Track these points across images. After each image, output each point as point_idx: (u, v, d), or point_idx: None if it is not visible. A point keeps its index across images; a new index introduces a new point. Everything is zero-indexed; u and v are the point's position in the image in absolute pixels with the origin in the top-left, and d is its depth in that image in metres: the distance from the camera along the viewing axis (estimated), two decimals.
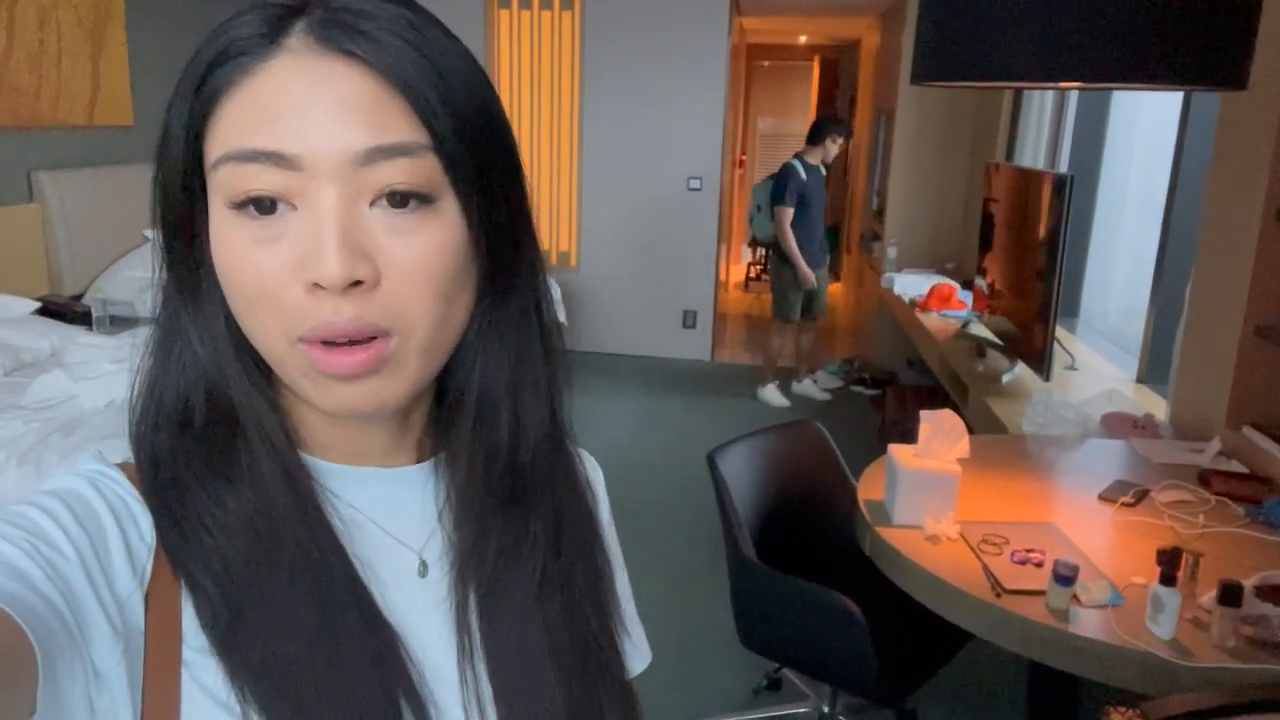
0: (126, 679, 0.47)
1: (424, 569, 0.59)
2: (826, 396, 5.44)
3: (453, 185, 0.50)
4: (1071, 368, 3.27)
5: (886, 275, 5.04)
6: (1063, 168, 4.16)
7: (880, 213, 5.87)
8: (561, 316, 5.39)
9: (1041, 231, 2.92)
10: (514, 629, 0.58)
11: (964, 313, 4.16)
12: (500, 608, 0.58)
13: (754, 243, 7.99)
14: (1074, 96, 4.11)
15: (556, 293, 5.39)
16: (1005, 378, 3.22)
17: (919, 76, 1.81)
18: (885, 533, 1.84)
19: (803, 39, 9.24)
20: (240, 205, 0.48)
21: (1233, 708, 1.27)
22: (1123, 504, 1.99)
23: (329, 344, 0.49)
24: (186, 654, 0.50)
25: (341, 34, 0.48)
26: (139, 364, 0.55)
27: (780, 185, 4.98)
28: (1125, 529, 1.90)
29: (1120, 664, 1.47)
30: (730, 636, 2.28)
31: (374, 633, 0.53)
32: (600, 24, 5.81)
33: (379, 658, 0.53)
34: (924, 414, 1.91)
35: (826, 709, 2.42)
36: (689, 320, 6.19)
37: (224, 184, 0.48)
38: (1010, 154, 4.64)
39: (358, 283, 0.48)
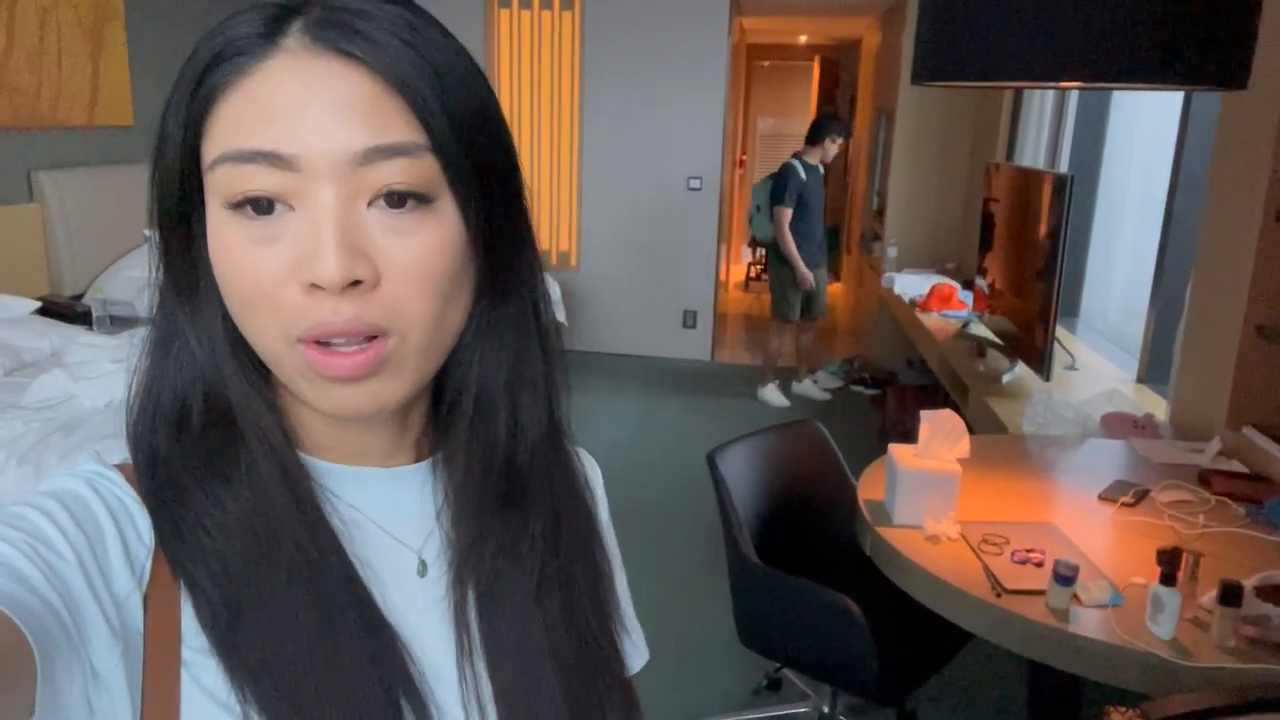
0: (125, 680, 0.47)
1: (423, 568, 0.59)
2: (827, 396, 5.44)
3: (450, 185, 0.50)
4: (1072, 368, 3.27)
5: (887, 275, 5.03)
6: (1063, 168, 4.15)
7: (880, 213, 5.87)
8: (561, 316, 5.39)
9: (1042, 231, 2.92)
10: (513, 628, 0.58)
11: (964, 313, 4.16)
12: (499, 607, 0.58)
13: (754, 243, 7.99)
14: (1074, 96, 4.11)
15: (556, 293, 5.40)
16: (1005, 378, 3.22)
17: (919, 76, 1.81)
18: (885, 533, 1.84)
19: (803, 39, 9.24)
20: (237, 205, 0.48)
21: (1233, 708, 1.27)
22: (1123, 504, 1.98)
23: (327, 345, 0.49)
24: (186, 654, 0.50)
25: (339, 34, 0.48)
26: (136, 364, 0.55)
27: (780, 185, 4.98)
28: (1125, 529, 1.90)
29: (1120, 664, 1.47)
30: (730, 636, 2.28)
31: (374, 632, 0.53)
32: (600, 24, 5.81)
33: (379, 657, 0.53)
34: (924, 414, 1.91)
35: (827, 709, 2.42)
36: (689, 320, 6.19)
37: (221, 184, 0.48)
38: (1010, 154, 4.64)
39: (356, 283, 0.48)
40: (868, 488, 2.06)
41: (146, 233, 0.54)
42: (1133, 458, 2.32)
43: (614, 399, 5.31)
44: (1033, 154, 4.37)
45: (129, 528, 0.51)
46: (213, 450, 0.54)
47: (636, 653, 0.72)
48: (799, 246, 4.98)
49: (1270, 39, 2.10)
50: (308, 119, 0.47)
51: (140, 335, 0.56)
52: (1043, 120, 4.32)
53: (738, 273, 9.30)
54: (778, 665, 2.63)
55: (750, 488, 2.31)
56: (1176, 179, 2.95)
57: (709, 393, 5.54)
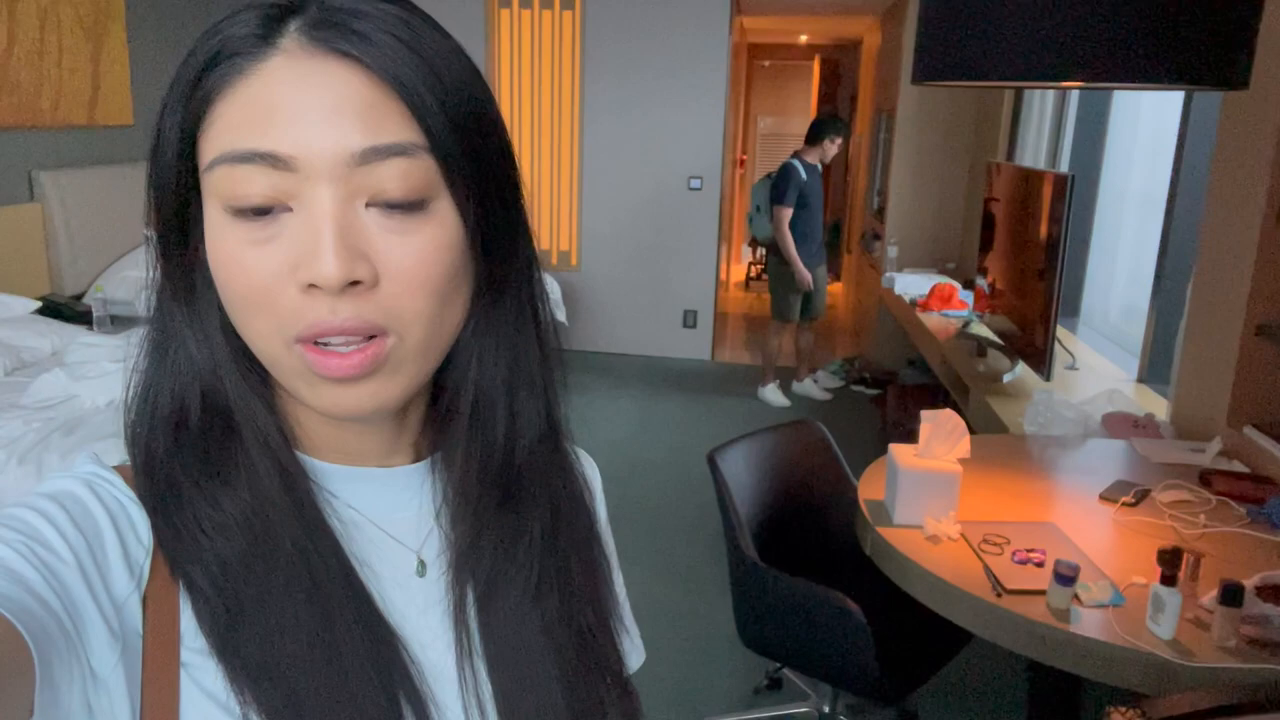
0: (125, 681, 0.47)
1: (422, 568, 0.59)
2: (827, 396, 5.44)
3: (448, 185, 0.50)
4: (1072, 367, 3.27)
5: (887, 275, 5.03)
6: (1064, 167, 4.15)
7: (881, 212, 5.87)
8: (562, 316, 5.38)
9: (1042, 231, 2.92)
10: (512, 626, 0.58)
11: (965, 312, 4.16)
12: (498, 606, 0.58)
13: (754, 243, 7.99)
14: (1075, 96, 4.11)
15: (556, 292, 5.41)
16: (1006, 377, 3.22)
17: (920, 76, 1.80)
18: (886, 532, 1.84)
19: (803, 38, 9.24)
20: (238, 213, 0.48)
21: (1233, 708, 1.27)
22: (1123, 504, 1.98)
23: (325, 345, 0.49)
24: (185, 655, 0.50)
25: (335, 34, 0.48)
26: (134, 365, 0.55)
27: (780, 185, 4.98)
28: (1126, 529, 1.90)
29: (1121, 664, 1.47)
30: (731, 636, 2.28)
31: (373, 632, 0.53)
32: (601, 23, 5.81)
33: (378, 657, 0.53)
34: (924, 414, 1.91)
35: (827, 709, 2.42)
36: (689, 320, 6.19)
37: (219, 185, 0.48)
38: (1011, 153, 4.64)
39: (355, 283, 0.48)
40: (868, 487, 2.05)
41: (147, 232, 0.53)
42: (1133, 457, 2.32)
43: (614, 399, 5.31)
44: (1033, 154, 4.37)
45: (127, 529, 0.51)
46: (211, 451, 0.54)
47: (635, 651, 0.72)
48: (799, 246, 4.98)
49: (1271, 39, 2.10)
50: (305, 120, 0.47)
51: (139, 335, 0.56)
52: (1043, 120, 4.32)
53: (738, 272, 9.30)
54: (778, 665, 2.63)
55: (751, 487, 2.31)
56: (1177, 179, 2.95)
57: (709, 392, 5.54)
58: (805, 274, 5.00)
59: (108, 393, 2.83)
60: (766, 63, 10.39)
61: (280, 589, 0.51)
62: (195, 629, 0.50)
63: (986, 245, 3.71)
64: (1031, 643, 1.56)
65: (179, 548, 0.51)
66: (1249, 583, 1.49)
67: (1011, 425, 2.74)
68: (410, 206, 0.49)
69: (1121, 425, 2.51)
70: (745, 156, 10.11)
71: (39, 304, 3.65)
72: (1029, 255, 3.09)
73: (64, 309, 3.78)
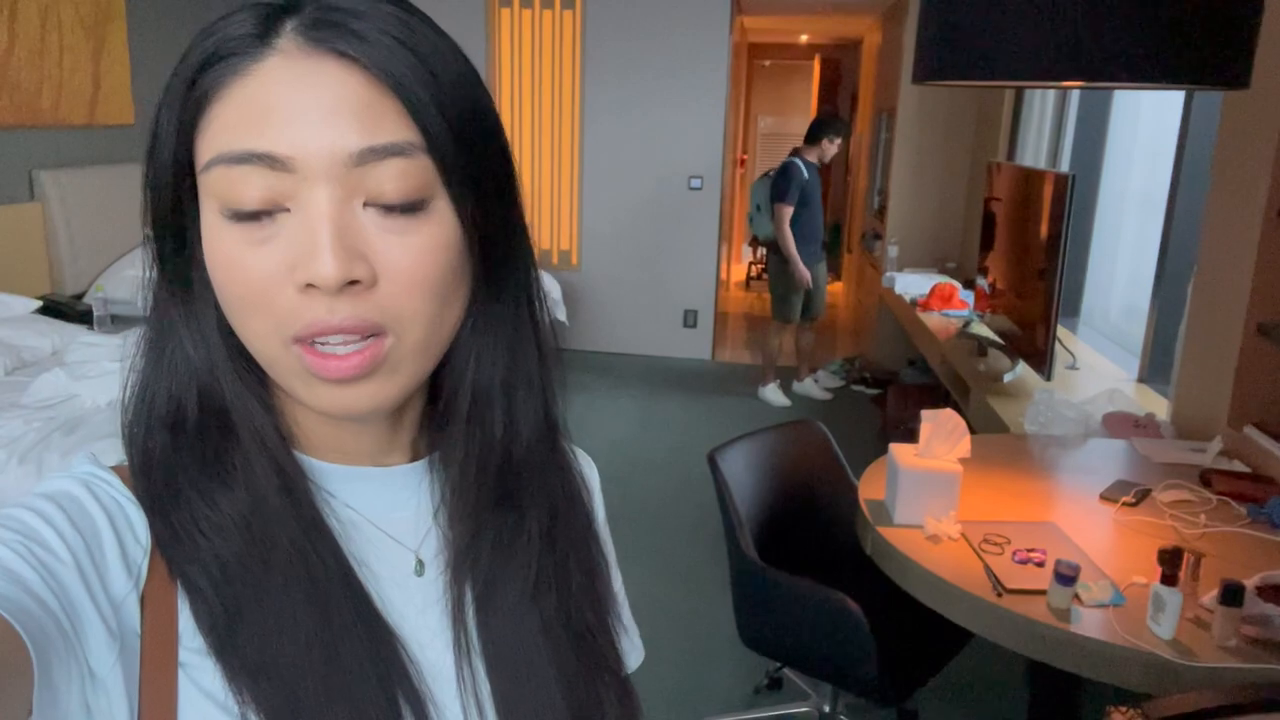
0: (123, 681, 0.47)
1: (421, 568, 0.59)
2: (827, 396, 5.44)
3: (446, 185, 0.50)
4: (1073, 367, 3.27)
5: (888, 274, 5.03)
6: (1064, 167, 4.15)
7: (881, 212, 5.87)
8: (562, 316, 5.38)
9: (1043, 231, 2.92)
10: (511, 625, 0.58)
11: (965, 312, 4.16)
12: (497, 605, 0.58)
13: (754, 242, 7.99)
14: (1075, 95, 4.11)
15: (557, 292, 5.41)
16: (1006, 377, 3.22)
17: (920, 76, 1.80)
18: (886, 532, 1.84)
19: (804, 38, 9.24)
20: (234, 216, 0.48)
21: (1234, 707, 1.27)
22: (1124, 504, 1.98)
23: (323, 345, 0.49)
24: (183, 655, 0.50)
25: (332, 33, 0.48)
26: (130, 365, 0.55)
27: (782, 183, 4.97)
28: (1126, 529, 1.90)
29: (1121, 664, 1.47)
30: (731, 635, 2.28)
31: (371, 632, 0.53)
32: (601, 23, 5.81)
33: (377, 657, 0.53)
34: (925, 413, 1.91)
35: (827, 708, 2.42)
36: (690, 319, 6.19)
37: (216, 186, 0.48)
38: (1012, 153, 4.64)
39: (353, 283, 0.48)
40: (868, 487, 2.05)
41: (147, 232, 0.53)
42: (1134, 457, 2.32)
43: (614, 398, 5.31)
44: (1034, 153, 4.36)
45: (125, 529, 0.51)
46: (208, 451, 0.53)
47: (634, 651, 0.72)
48: (800, 245, 4.97)
49: (1272, 38, 2.10)
50: (302, 120, 0.47)
51: (137, 335, 0.56)
52: (1044, 119, 4.32)
53: (738, 272, 9.30)
54: (778, 664, 2.63)
55: (751, 487, 2.31)
56: (1178, 178, 2.95)
57: (710, 392, 5.54)
58: (805, 272, 5.00)
59: (108, 392, 2.83)
60: (767, 62, 10.39)
61: (278, 588, 0.51)
62: (193, 629, 0.50)
63: (987, 245, 3.71)
64: (1032, 642, 1.56)
65: (177, 548, 0.51)
66: (1249, 582, 1.49)
67: (1012, 425, 2.74)
68: (408, 207, 0.49)
69: (1122, 425, 2.51)
70: (746, 156, 10.11)
71: (39, 303, 3.65)
72: (1030, 255, 3.09)
73: (64, 308, 3.78)
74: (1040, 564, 1.69)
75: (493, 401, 0.58)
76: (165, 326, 0.55)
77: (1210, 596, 1.54)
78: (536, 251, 0.60)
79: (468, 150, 0.51)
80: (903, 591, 1.77)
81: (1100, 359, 3.47)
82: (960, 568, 1.70)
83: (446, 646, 0.57)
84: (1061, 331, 3.07)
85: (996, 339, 3.47)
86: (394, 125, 0.48)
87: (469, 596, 0.58)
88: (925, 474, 1.86)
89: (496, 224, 0.54)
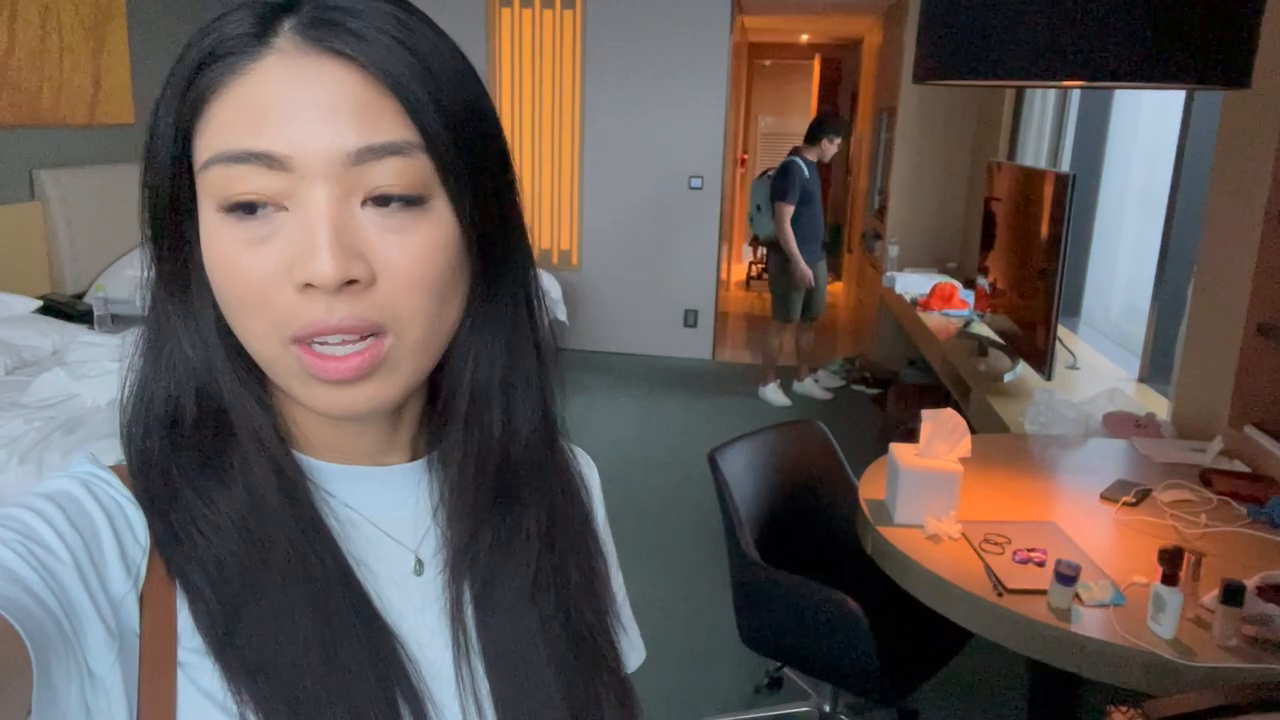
0: (122, 681, 0.47)
1: (420, 567, 0.59)
2: (828, 395, 5.44)
3: (444, 184, 0.50)
4: (1073, 367, 3.27)
5: (888, 274, 5.03)
6: (1065, 166, 4.15)
7: (882, 211, 5.87)
8: (562, 315, 5.38)
9: (1043, 230, 2.92)
10: (510, 625, 0.58)
11: (966, 312, 4.16)
12: (495, 604, 0.58)
13: (754, 241, 7.98)
14: (1076, 95, 4.11)
15: (556, 291, 5.41)
16: (1007, 377, 3.22)
17: (921, 75, 1.80)
18: (887, 532, 1.84)
19: (804, 37, 9.23)
20: (230, 209, 0.48)
21: (1234, 707, 1.27)
22: (1124, 503, 1.98)
23: (322, 344, 0.49)
24: (182, 655, 0.50)
25: (330, 32, 0.47)
26: (129, 365, 0.55)
27: (783, 182, 4.97)
28: (1127, 528, 1.90)
29: (1121, 663, 1.47)
30: (731, 635, 2.28)
31: (370, 632, 0.53)
32: (602, 22, 5.81)
33: (376, 656, 0.53)
34: (925, 413, 1.91)
35: (828, 708, 2.42)
36: (690, 319, 6.19)
37: (213, 185, 0.48)
38: (1012, 153, 4.63)
39: (351, 282, 0.47)
40: (869, 487, 2.05)
41: (146, 231, 0.53)
42: (1134, 457, 2.31)
43: (615, 398, 5.31)
44: (1034, 153, 4.36)
45: (124, 528, 0.51)
46: (206, 450, 0.53)
47: (634, 651, 0.72)
48: (801, 245, 4.97)
49: (1272, 38, 2.09)
50: (300, 119, 0.47)
51: (136, 335, 0.56)
52: (1044, 119, 4.31)
53: (739, 271, 9.30)
54: (778, 664, 2.63)
55: (751, 487, 2.31)
56: (1178, 178, 2.95)
57: (710, 392, 5.54)
58: (806, 270, 4.99)
59: (108, 392, 2.83)
60: (767, 62, 10.39)
61: (277, 588, 0.51)
62: (192, 628, 0.50)
63: (987, 245, 3.71)
64: (1032, 642, 1.56)
65: (176, 547, 0.51)
66: (1250, 582, 1.49)
67: (1012, 425, 2.74)
68: (406, 205, 0.49)
69: (1122, 425, 2.50)
70: (746, 156, 10.11)
71: (40, 303, 3.65)
72: (1030, 255, 3.09)
73: (65, 308, 3.78)
74: (1041, 564, 1.69)
75: (491, 401, 0.58)
76: (164, 327, 0.54)
77: (1211, 596, 1.54)
78: (536, 251, 0.60)
79: (466, 149, 0.51)
80: (903, 591, 1.77)
81: (1101, 359, 3.47)
82: (960, 567, 1.70)
83: (445, 646, 0.57)
84: (1062, 331, 3.07)
85: (997, 339, 3.47)
86: (392, 124, 0.48)
87: (468, 596, 0.58)
88: (926, 474, 1.86)
89: (495, 223, 0.54)
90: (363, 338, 0.49)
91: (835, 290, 8.18)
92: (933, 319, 4.16)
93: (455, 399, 0.58)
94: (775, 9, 7.01)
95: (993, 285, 3.62)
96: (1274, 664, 1.42)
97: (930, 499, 1.85)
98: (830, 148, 5.04)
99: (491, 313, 0.57)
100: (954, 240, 5.50)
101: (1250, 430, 2.27)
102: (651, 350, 6.25)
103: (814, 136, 5.02)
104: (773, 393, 5.30)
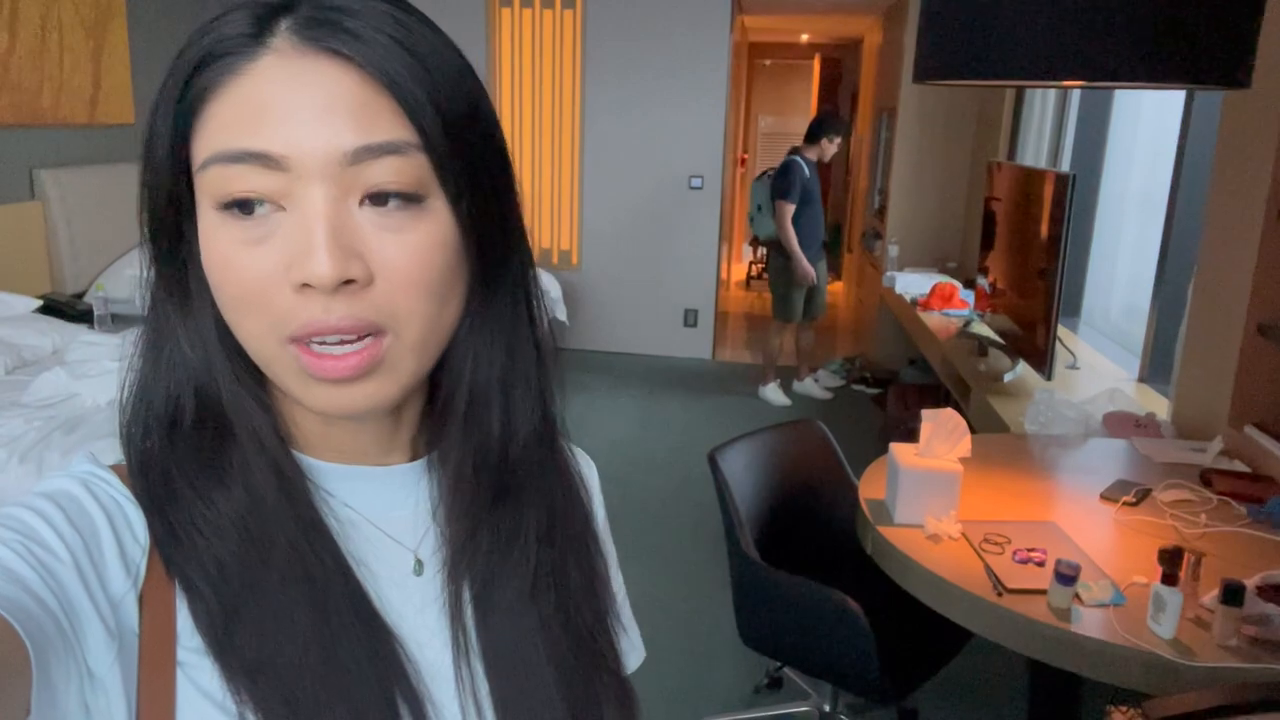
0: (121, 680, 0.47)
1: (419, 567, 0.59)
2: (828, 395, 5.44)
3: (441, 183, 0.50)
4: (1073, 367, 3.26)
5: (888, 274, 5.03)
6: (1065, 166, 4.15)
7: (882, 211, 5.87)
8: (562, 315, 5.37)
9: (1043, 230, 2.92)
10: (509, 625, 0.58)
11: (966, 311, 4.16)
12: (495, 604, 0.58)
13: (754, 242, 7.98)
14: (1076, 95, 4.11)
15: (556, 291, 5.40)
16: (1007, 377, 3.21)
17: (921, 75, 1.80)
18: (886, 532, 1.84)
19: (804, 37, 9.23)
20: (227, 206, 0.48)
21: (1234, 707, 1.27)
22: (1124, 503, 1.98)
23: (320, 344, 0.49)
24: (181, 654, 0.50)
25: (327, 32, 0.47)
26: (128, 365, 0.55)
27: (784, 181, 4.97)
28: (1127, 528, 1.90)
29: (1121, 663, 1.47)
30: (731, 635, 2.28)
31: (370, 631, 0.53)
32: (602, 22, 5.81)
33: (375, 656, 0.53)
34: (925, 413, 1.91)
35: (828, 708, 2.42)
36: (690, 319, 6.19)
37: (211, 185, 0.48)
38: (1012, 153, 4.63)
39: (349, 282, 0.47)
40: (869, 487, 2.05)
41: (145, 231, 0.53)
42: (1134, 457, 2.31)
43: (615, 398, 5.31)
44: (1034, 153, 4.36)
45: (124, 528, 0.51)
46: (206, 450, 0.53)
47: (633, 651, 0.72)
48: (801, 244, 4.97)
49: (1272, 38, 2.09)
50: (297, 119, 0.47)
51: (135, 335, 0.56)
52: (1045, 119, 4.31)
53: (739, 271, 9.30)
54: (778, 664, 2.63)
55: (751, 487, 2.31)
56: (1178, 178, 2.95)
57: (710, 391, 5.54)
58: (808, 268, 4.99)
59: (108, 391, 2.83)
60: (767, 62, 10.39)
61: (276, 588, 0.51)
62: (191, 628, 0.50)
63: (987, 244, 3.71)
64: (1032, 642, 1.56)
65: (175, 547, 0.51)
66: (1250, 582, 1.49)
67: (1012, 424, 2.74)
68: (404, 205, 0.49)
69: (1122, 425, 2.50)
70: (746, 156, 10.11)
71: (40, 302, 3.65)
72: (1030, 254, 3.09)
73: (65, 307, 3.78)
74: (1040, 564, 1.69)
75: (490, 400, 0.58)
76: (163, 327, 0.54)
77: (1210, 596, 1.54)
78: (536, 251, 0.60)
79: (464, 149, 0.51)
80: (903, 591, 1.77)
81: (1101, 359, 3.47)
82: (960, 567, 1.70)
83: (445, 646, 0.57)
84: (1062, 331, 3.07)
85: (997, 338, 3.47)
86: (389, 124, 0.48)
87: (467, 596, 0.58)
88: (926, 473, 1.86)
89: (493, 222, 0.54)
90: (360, 337, 0.49)
91: (835, 290, 8.18)
92: (933, 319, 4.16)
93: (454, 398, 0.58)
94: (775, 9, 7.01)
95: (993, 285, 3.62)
96: (1274, 664, 1.42)
97: (930, 499, 1.85)
98: (830, 147, 5.04)
99: (491, 312, 0.57)
100: (954, 240, 5.50)
101: (1250, 430, 2.27)
102: (651, 350, 6.25)
103: (814, 136, 5.02)
104: (773, 392, 5.30)
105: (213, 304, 0.52)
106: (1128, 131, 3.83)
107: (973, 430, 1.96)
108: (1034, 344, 2.97)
